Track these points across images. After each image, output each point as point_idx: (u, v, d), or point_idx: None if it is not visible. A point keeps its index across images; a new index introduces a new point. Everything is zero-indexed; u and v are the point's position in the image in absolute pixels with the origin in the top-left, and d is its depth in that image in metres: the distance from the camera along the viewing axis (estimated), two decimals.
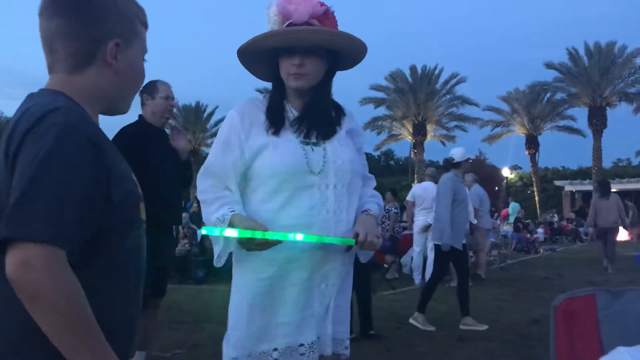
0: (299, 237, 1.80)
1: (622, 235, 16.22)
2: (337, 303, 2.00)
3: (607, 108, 31.04)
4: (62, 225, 1.05)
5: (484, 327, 5.77)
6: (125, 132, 3.67)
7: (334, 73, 2.08)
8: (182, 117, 38.27)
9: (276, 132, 1.96)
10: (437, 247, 6.19)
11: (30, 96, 1.24)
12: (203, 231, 1.91)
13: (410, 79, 33.46)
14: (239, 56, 2.02)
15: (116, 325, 1.19)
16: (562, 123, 35.03)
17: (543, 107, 34.24)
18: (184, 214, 9.77)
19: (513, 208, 21.98)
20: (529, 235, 18.94)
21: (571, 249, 18.94)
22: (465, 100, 33.41)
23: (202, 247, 10.18)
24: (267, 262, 1.89)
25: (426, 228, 8.85)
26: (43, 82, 1.30)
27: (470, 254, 8.91)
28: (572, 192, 35.70)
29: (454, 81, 33.27)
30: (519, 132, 35.78)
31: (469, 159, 6.30)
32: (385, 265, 9.91)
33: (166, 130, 4.00)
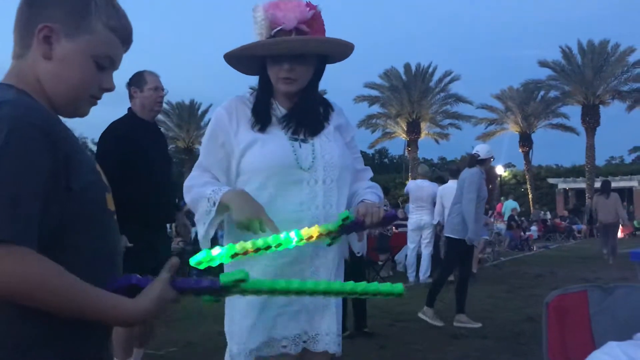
0: (292, 234, 1.76)
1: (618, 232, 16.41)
2: (329, 299, 2.00)
3: (601, 106, 31.20)
4: (19, 221, 1.03)
5: (478, 325, 5.80)
6: (113, 128, 3.56)
7: (322, 72, 2.09)
8: (176, 114, 38.20)
9: (263, 129, 1.97)
10: (449, 240, 6.24)
11: None
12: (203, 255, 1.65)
13: (404, 77, 33.49)
14: (225, 59, 2.02)
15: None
16: (555, 121, 35.20)
17: (537, 105, 34.35)
18: (179, 213, 9.73)
19: (507, 206, 21.89)
20: (522, 232, 19.03)
21: (564, 247, 19.04)
22: (459, 98, 33.49)
23: (196, 246, 10.18)
24: (256, 257, 1.88)
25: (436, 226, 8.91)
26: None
27: None
28: (565, 189, 35.87)
29: (448, 79, 33.36)
30: (512, 130, 35.89)
31: (492, 157, 6.36)
32: (380, 263, 9.94)
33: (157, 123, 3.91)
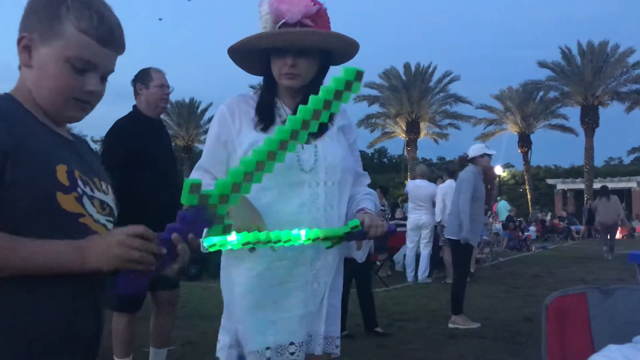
0: (303, 232, 1.76)
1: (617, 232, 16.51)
2: (329, 301, 1.99)
3: (600, 107, 31.23)
4: None
5: (476, 325, 5.79)
6: (118, 125, 3.53)
7: (327, 70, 2.07)
8: (176, 113, 38.17)
9: (266, 129, 1.95)
10: (453, 243, 6.12)
11: None
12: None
13: (404, 77, 33.50)
14: (229, 54, 2.01)
15: (33, 327, 1.15)
16: (554, 122, 35.22)
17: (536, 105, 34.37)
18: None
19: (501, 206, 21.74)
20: (520, 233, 19.03)
21: (563, 247, 19.06)
22: (458, 99, 33.50)
23: None
24: (257, 258, 1.87)
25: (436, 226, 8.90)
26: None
27: None
28: (564, 190, 35.88)
29: (447, 79, 33.38)
30: (511, 130, 35.90)
31: (485, 154, 6.17)
32: (378, 263, 9.93)
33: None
